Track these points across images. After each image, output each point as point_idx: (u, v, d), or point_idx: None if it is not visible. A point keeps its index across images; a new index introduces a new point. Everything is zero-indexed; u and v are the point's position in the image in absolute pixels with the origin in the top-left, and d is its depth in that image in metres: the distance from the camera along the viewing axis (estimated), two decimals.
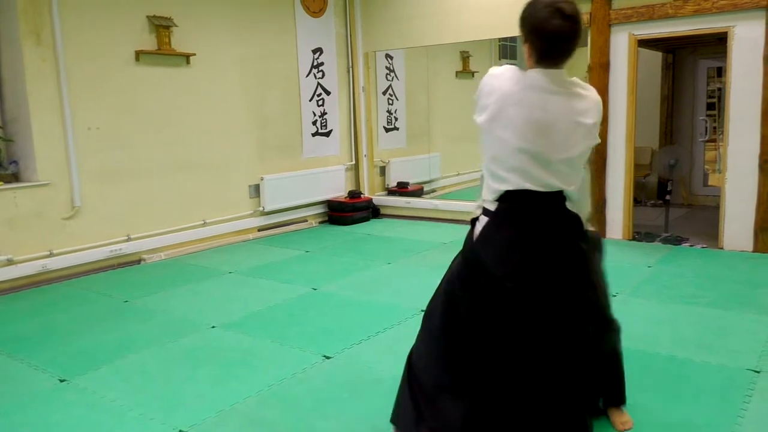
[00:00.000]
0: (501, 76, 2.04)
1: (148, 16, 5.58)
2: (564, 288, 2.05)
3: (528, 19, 1.99)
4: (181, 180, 5.97)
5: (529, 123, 1.95)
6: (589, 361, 2.19)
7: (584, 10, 5.89)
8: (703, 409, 2.67)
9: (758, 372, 2.99)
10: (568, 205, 2.07)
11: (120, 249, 5.49)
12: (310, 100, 7.19)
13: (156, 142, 5.75)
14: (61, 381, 3.19)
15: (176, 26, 5.74)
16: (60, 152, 5.11)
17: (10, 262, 4.83)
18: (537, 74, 1.98)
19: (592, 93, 2.05)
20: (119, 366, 3.35)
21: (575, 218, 2.09)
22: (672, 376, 3.00)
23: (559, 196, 2.04)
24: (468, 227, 2.26)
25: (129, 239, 5.58)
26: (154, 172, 5.75)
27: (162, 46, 5.65)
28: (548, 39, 1.94)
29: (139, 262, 5.64)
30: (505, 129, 1.97)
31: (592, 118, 2.01)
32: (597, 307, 2.33)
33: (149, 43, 5.62)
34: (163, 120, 5.79)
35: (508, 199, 2.04)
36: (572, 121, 1.97)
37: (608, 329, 2.52)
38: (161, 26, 5.62)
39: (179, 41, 5.81)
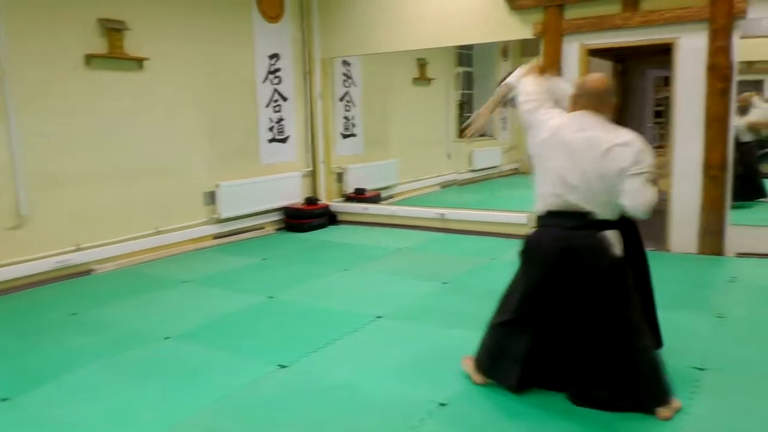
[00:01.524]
0: None
1: (99, 19, 5.45)
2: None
3: None
4: (134, 187, 5.84)
5: None
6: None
7: (537, 20, 6.03)
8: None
9: (702, 369, 3.10)
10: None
11: (68, 259, 5.32)
12: (267, 106, 7.14)
13: (107, 148, 5.61)
14: (3, 400, 3.06)
15: (129, 30, 5.62)
16: (4, 159, 4.92)
17: None
18: None
19: None
20: (66, 382, 3.24)
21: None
22: None
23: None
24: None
25: (78, 249, 5.41)
26: (105, 179, 5.61)
27: (114, 50, 5.52)
28: None
29: (88, 272, 5.48)
30: None
31: None
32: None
33: (100, 46, 5.49)
34: (114, 126, 5.65)
35: None
36: None
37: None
38: (113, 29, 5.49)
39: (132, 45, 5.69)
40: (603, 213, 2.62)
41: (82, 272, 5.44)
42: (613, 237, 2.64)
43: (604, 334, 2.65)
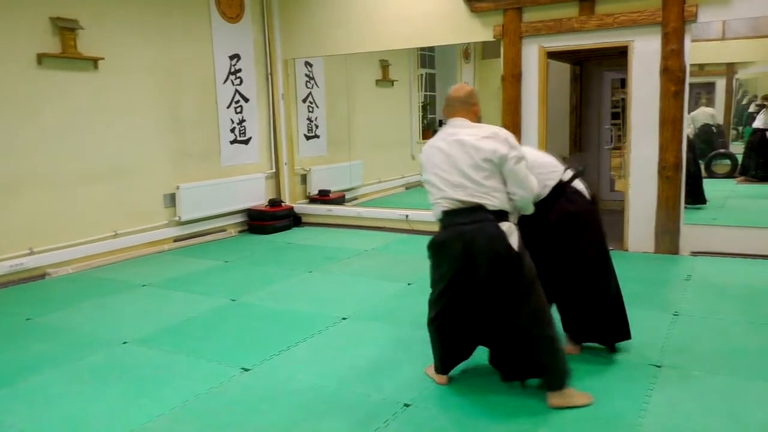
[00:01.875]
0: None
1: (51, 18, 5.30)
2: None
3: None
4: (91, 190, 5.69)
5: None
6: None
7: (497, 22, 6.11)
8: (608, 404, 2.80)
9: (659, 366, 3.18)
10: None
11: (21, 263, 5.15)
12: (228, 107, 7.05)
13: (61, 149, 5.45)
14: None
15: (82, 29, 5.48)
16: None
17: None
18: None
19: None
20: (20, 389, 3.14)
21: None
22: (581, 373, 3.12)
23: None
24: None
25: (31, 252, 5.25)
26: (59, 181, 5.45)
27: (67, 49, 5.37)
28: None
29: (43, 276, 5.32)
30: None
31: None
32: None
33: (53, 46, 5.34)
34: (68, 127, 5.50)
35: None
36: None
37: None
38: (66, 28, 5.35)
39: (86, 45, 5.55)
40: (493, 204, 2.76)
41: (36, 276, 5.28)
42: (508, 228, 2.77)
43: (508, 322, 2.81)
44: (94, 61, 5.63)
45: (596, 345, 3.38)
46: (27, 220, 5.23)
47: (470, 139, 2.78)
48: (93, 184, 5.71)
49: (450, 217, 2.81)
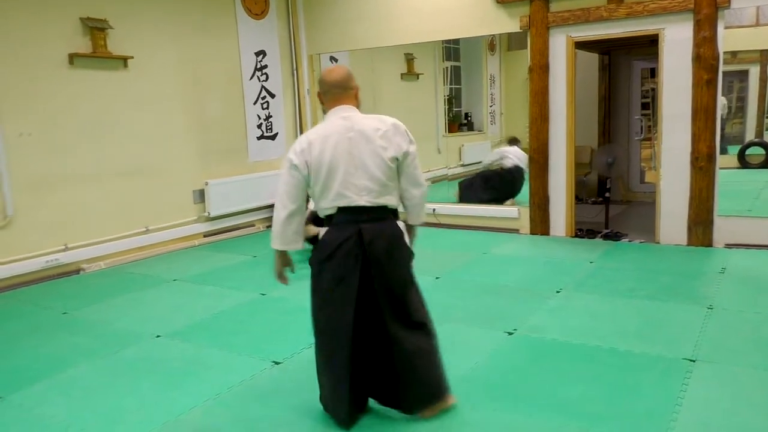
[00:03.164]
0: None
1: (81, 18, 5.39)
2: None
3: None
4: (122, 186, 5.79)
5: None
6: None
7: (523, 13, 6.04)
8: (643, 399, 2.76)
9: (694, 361, 3.12)
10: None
11: (57, 259, 5.27)
12: (255, 103, 7.10)
13: (93, 147, 5.55)
14: None
15: (112, 28, 5.57)
16: None
17: None
18: None
19: None
20: (58, 381, 3.22)
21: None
22: (613, 368, 3.09)
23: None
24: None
25: (66, 248, 5.37)
26: (92, 178, 5.56)
27: (97, 48, 5.46)
28: None
29: (78, 272, 5.44)
30: None
31: None
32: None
33: (83, 45, 5.43)
34: (100, 125, 5.60)
35: None
36: None
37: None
38: (96, 28, 5.44)
39: (115, 44, 5.64)
40: (390, 202, 2.55)
41: (71, 271, 5.39)
42: (404, 228, 2.62)
43: (389, 328, 2.56)
44: (124, 60, 5.72)
45: (625, 345, 3.33)
46: (62, 216, 5.34)
47: (374, 134, 2.51)
48: (124, 181, 5.81)
49: (346, 213, 2.51)
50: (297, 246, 2.60)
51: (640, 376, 2.98)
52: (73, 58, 5.35)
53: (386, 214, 2.55)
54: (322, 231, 2.58)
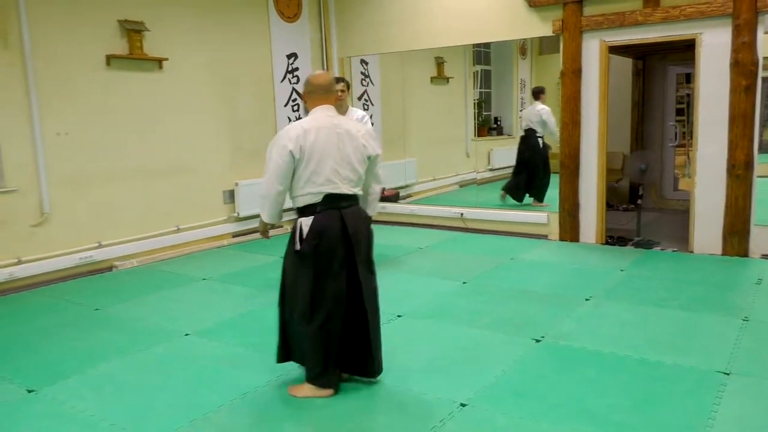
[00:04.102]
0: None
1: (119, 21, 5.51)
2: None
3: None
4: (154, 186, 5.89)
5: None
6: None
7: (556, 17, 5.98)
8: (675, 411, 2.70)
9: (728, 374, 3.04)
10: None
11: (90, 256, 5.38)
12: (285, 106, 7.16)
13: (127, 147, 5.66)
14: (29, 392, 3.11)
15: (148, 30, 5.67)
16: (28, 158, 5.00)
17: None
18: None
19: None
20: (89, 376, 3.29)
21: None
22: (643, 378, 3.03)
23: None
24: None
25: (100, 246, 5.48)
26: (125, 177, 5.67)
27: (134, 50, 5.57)
28: None
29: (110, 269, 5.54)
30: None
31: None
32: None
33: (120, 47, 5.55)
34: (134, 125, 5.71)
35: None
36: None
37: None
38: (132, 30, 5.55)
39: (151, 46, 5.74)
40: (360, 192, 3.01)
41: (103, 269, 5.50)
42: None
43: (365, 302, 2.97)
44: (159, 62, 5.82)
45: (656, 356, 3.26)
46: (96, 214, 5.46)
47: (357, 133, 2.94)
48: (157, 180, 5.91)
49: (329, 201, 2.87)
50: (278, 220, 3.11)
51: (672, 388, 2.91)
52: (110, 60, 5.46)
53: (358, 201, 3.00)
54: (304, 220, 2.90)
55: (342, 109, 4.62)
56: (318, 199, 2.86)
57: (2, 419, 2.84)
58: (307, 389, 2.96)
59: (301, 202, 2.90)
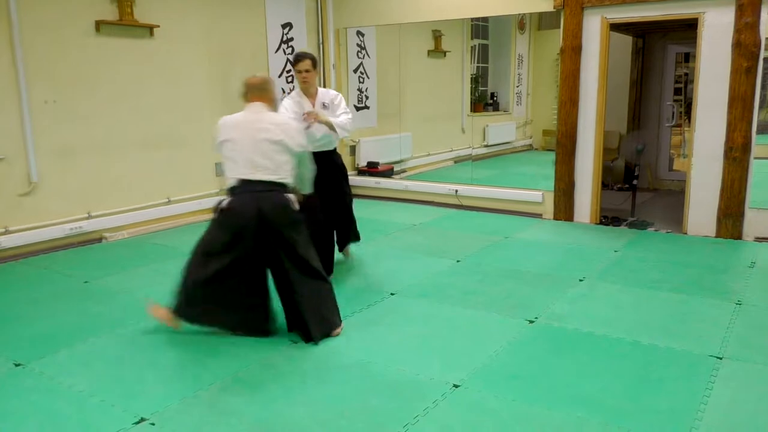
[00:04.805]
0: None
1: None
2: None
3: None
4: (145, 156, 5.79)
5: None
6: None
7: None
8: (666, 395, 2.70)
9: (720, 358, 3.05)
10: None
11: (80, 227, 5.31)
12: (279, 76, 7.03)
13: (118, 116, 5.55)
14: (17, 365, 3.08)
15: None
16: (15, 126, 4.89)
17: None
18: None
19: None
20: (79, 350, 3.25)
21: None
22: (636, 362, 3.03)
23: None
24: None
25: (89, 217, 5.40)
26: (116, 147, 5.56)
27: (124, 16, 5.42)
28: None
29: (100, 240, 5.48)
30: None
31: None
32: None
33: (110, 13, 5.39)
34: (124, 94, 5.58)
35: None
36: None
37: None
38: None
39: (142, 12, 5.59)
40: (280, 179, 3.30)
41: (93, 240, 5.44)
42: (292, 198, 3.35)
43: (290, 275, 3.31)
44: (150, 29, 5.68)
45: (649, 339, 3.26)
46: (85, 184, 5.37)
47: (275, 128, 3.32)
48: (147, 151, 5.81)
49: (246, 185, 3.26)
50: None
51: (665, 372, 2.92)
52: (99, 26, 5.31)
53: (279, 187, 3.31)
54: (226, 199, 3.33)
55: (311, 90, 4.29)
56: (236, 183, 3.29)
57: None
58: (163, 312, 3.41)
59: (227, 184, 3.36)
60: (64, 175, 5.21)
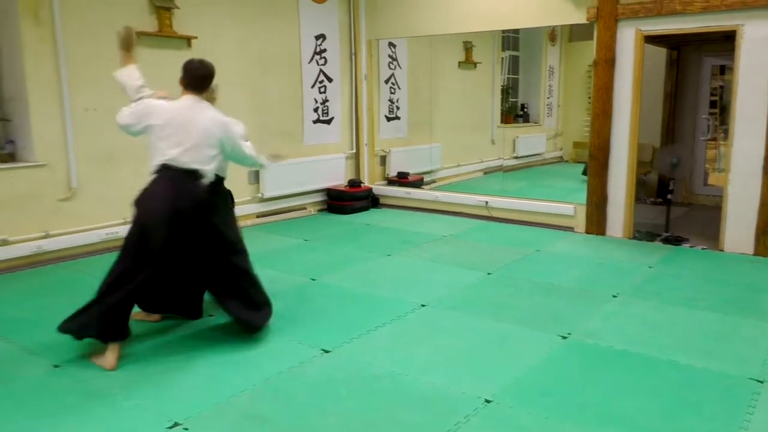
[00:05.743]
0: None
1: None
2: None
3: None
4: None
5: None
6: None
7: (591, 4, 5.83)
8: (704, 419, 2.64)
9: (762, 382, 2.97)
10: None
11: (116, 232, 5.41)
12: (312, 87, 7.11)
13: None
14: (55, 366, 3.15)
15: (177, 8, 5.64)
16: (57, 133, 5.03)
17: (5, 243, 4.78)
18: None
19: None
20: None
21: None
22: (672, 382, 2.97)
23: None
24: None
25: (125, 222, 5.48)
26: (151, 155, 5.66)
27: (163, 28, 5.55)
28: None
29: None
30: None
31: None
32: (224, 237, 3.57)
33: (150, 24, 5.52)
34: None
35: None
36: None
37: (233, 252, 3.63)
38: (162, 8, 5.52)
39: (180, 24, 5.71)
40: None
41: None
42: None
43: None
44: (188, 40, 5.79)
45: (686, 359, 3.20)
46: (121, 190, 5.46)
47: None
48: None
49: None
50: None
51: (702, 394, 2.85)
52: (139, 37, 5.43)
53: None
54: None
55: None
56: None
57: (29, 393, 2.88)
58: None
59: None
60: (101, 181, 5.34)
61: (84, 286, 4.46)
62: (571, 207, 6.28)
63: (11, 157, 4.99)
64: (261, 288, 3.65)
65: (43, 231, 4.99)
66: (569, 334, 3.56)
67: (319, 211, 7.28)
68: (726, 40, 5.74)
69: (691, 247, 5.63)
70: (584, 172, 7.55)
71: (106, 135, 5.33)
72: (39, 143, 4.93)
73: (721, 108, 8.60)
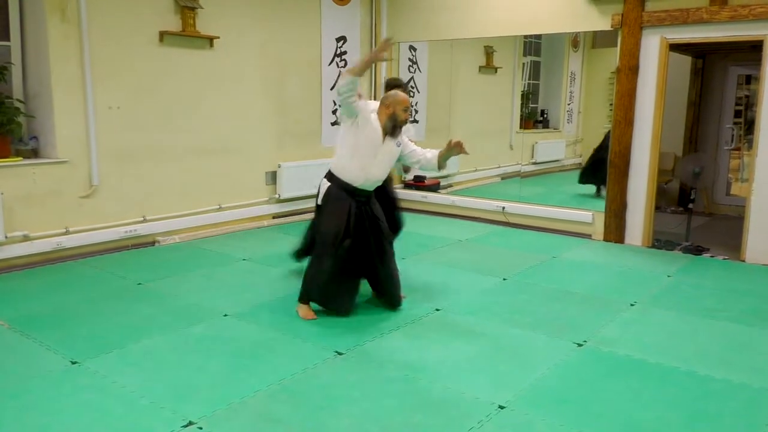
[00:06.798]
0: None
1: None
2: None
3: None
4: (199, 163, 5.94)
5: None
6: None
7: (616, 11, 5.78)
8: (724, 431, 2.59)
9: None
10: None
11: (135, 230, 5.47)
12: (332, 89, 7.12)
13: (176, 124, 5.71)
14: (73, 363, 3.18)
15: (201, 8, 5.69)
16: (80, 130, 5.09)
17: (26, 238, 4.83)
18: None
19: None
20: (131, 351, 3.33)
21: None
22: (692, 393, 2.93)
23: None
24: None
25: (144, 220, 5.56)
26: (172, 154, 5.72)
27: (186, 27, 5.60)
28: None
29: (153, 243, 5.63)
30: None
31: None
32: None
33: (174, 24, 5.58)
34: (183, 102, 5.75)
35: None
36: None
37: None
38: (186, 7, 5.57)
39: (203, 24, 5.76)
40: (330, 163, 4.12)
41: (147, 243, 5.59)
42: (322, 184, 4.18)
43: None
44: (210, 40, 5.84)
45: (706, 370, 3.14)
46: (142, 189, 5.54)
47: None
48: (202, 158, 5.96)
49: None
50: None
51: (722, 405, 2.80)
52: (163, 36, 5.50)
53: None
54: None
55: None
56: None
57: (47, 389, 2.90)
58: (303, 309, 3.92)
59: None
60: (122, 179, 5.39)
61: (101, 282, 4.53)
62: (590, 214, 6.22)
63: (34, 154, 5.06)
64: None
65: (64, 227, 5.05)
66: (585, 341, 3.52)
67: None
68: (753, 50, 5.66)
69: (711, 256, 5.54)
70: (580, 180, 7.53)
71: (128, 133, 5.39)
72: (62, 140, 4.99)
73: (746, 118, 8.48)
